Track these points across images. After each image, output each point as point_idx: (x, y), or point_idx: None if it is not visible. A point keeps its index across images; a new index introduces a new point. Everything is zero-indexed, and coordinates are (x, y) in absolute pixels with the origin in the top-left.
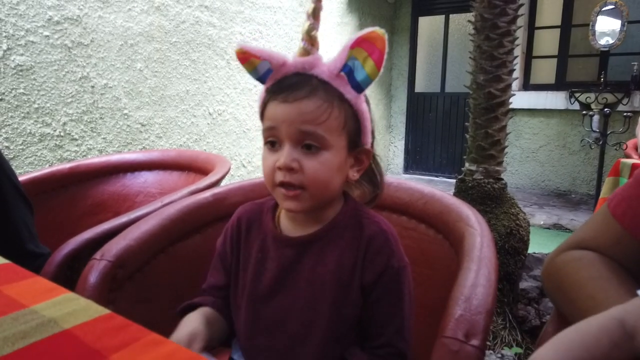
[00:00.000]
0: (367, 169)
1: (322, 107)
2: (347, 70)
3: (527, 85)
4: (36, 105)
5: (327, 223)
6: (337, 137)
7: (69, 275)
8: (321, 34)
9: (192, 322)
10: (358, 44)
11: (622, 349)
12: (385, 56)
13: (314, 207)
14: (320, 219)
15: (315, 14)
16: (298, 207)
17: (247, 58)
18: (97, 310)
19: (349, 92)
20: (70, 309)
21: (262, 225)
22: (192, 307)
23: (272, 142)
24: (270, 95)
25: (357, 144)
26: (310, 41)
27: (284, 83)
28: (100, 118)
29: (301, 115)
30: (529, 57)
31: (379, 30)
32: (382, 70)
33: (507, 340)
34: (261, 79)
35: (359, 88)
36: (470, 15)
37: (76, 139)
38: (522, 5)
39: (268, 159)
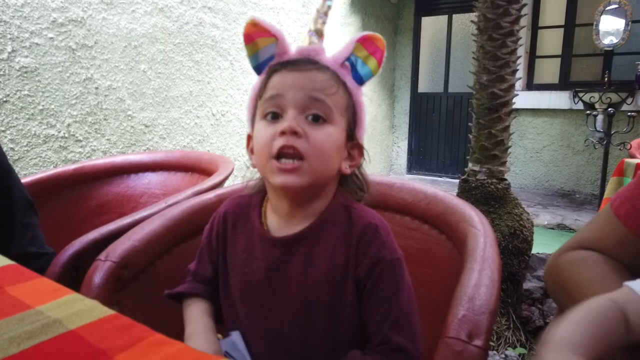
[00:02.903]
0: (354, 176)
1: (330, 80)
2: (351, 62)
3: (530, 85)
4: (41, 107)
5: (315, 219)
6: (340, 115)
7: (73, 276)
8: (324, 35)
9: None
10: (363, 41)
11: (625, 329)
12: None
13: (309, 185)
14: (308, 213)
15: (326, 11)
16: (295, 182)
17: (254, 37)
18: (102, 311)
19: (350, 82)
20: (76, 309)
21: (248, 222)
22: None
23: (273, 113)
24: (276, 68)
25: (353, 136)
26: (318, 34)
27: (289, 61)
28: (104, 119)
29: (312, 82)
30: (532, 56)
31: (378, 34)
32: (381, 69)
33: (510, 341)
34: (259, 66)
35: (361, 80)
36: (473, 16)
37: (80, 140)
38: (525, 5)
39: (265, 130)
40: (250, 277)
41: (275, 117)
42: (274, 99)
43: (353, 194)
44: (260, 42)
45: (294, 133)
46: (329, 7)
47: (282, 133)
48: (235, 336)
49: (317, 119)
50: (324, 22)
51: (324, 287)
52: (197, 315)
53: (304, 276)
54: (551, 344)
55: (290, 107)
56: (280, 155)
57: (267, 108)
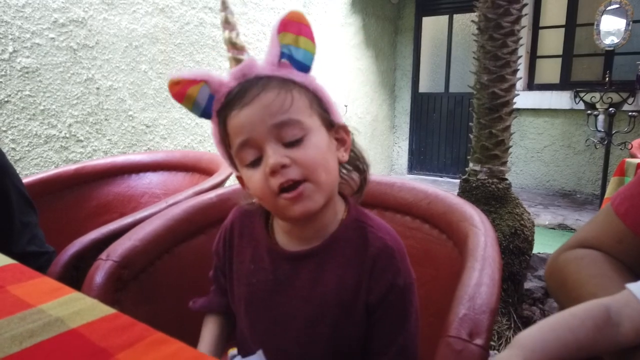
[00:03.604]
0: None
1: (281, 93)
2: (286, 56)
3: (531, 85)
4: (42, 107)
5: (328, 237)
6: (309, 117)
7: (74, 276)
8: (325, 35)
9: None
10: (283, 28)
11: (605, 334)
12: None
13: (325, 201)
14: (320, 226)
15: (227, 22)
16: (312, 206)
17: (183, 91)
18: (103, 310)
19: (297, 76)
20: (77, 308)
21: (254, 232)
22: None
23: (252, 161)
24: (225, 111)
25: (332, 123)
26: (236, 48)
27: (231, 95)
28: (106, 119)
29: (266, 108)
30: (533, 56)
31: (294, 11)
32: (315, 42)
33: (511, 341)
34: (205, 111)
35: (305, 67)
36: (474, 16)
37: (81, 141)
38: (525, 5)
39: (254, 175)
40: (256, 288)
41: (257, 160)
42: (244, 146)
43: (355, 183)
44: (191, 92)
45: (282, 166)
46: (227, 16)
47: (272, 173)
48: (258, 356)
49: (293, 143)
50: (237, 34)
51: (330, 306)
52: (208, 340)
53: (310, 293)
54: (509, 347)
55: (263, 144)
56: (282, 188)
57: (244, 157)
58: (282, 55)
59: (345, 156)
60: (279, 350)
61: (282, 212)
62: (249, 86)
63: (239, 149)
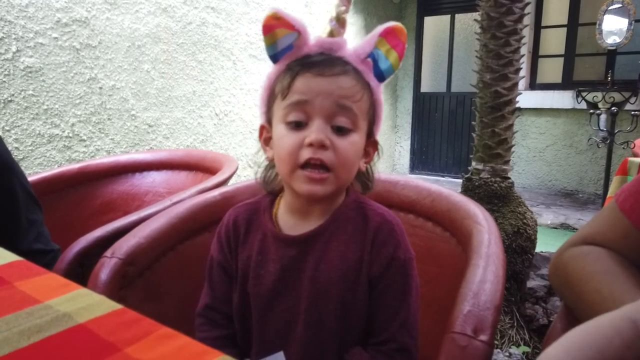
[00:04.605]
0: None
1: (357, 85)
2: (372, 58)
3: (533, 85)
4: (45, 107)
5: (329, 216)
6: (363, 120)
7: (79, 273)
8: (347, 22)
9: None
10: (385, 34)
11: (634, 351)
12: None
13: (334, 193)
14: (323, 211)
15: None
16: (321, 191)
17: (274, 27)
18: (110, 305)
19: (372, 80)
20: (84, 303)
21: (260, 225)
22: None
23: (297, 122)
24: (299, 69)
25: (370, 134)
26: (340, 23)
27: (311, 59)
28: (108, 119)
29: (340, 89)
30: (535, 56)
31: (401, 24)
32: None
33: (514, 339)
34: (275, 56)
35: (381, 77)
36: (476, 15)
37: (84, 140)
38: (528, 4)
39: (290, 137)
40: (264, 279)
41: (299, 124)
42: (299, 105)
43: (361, 186)
44: (279, 32)
45: (322, 146)
46: None
47: (310, 144)
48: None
49: (342, 130)
50: (346, 9)
51: (335, 283)
52: None
53: (315, 273)
54: None
55: (316, 116)
56: (306, 164)
57: (291, 114)
58: (370, 55)
59: (363, 167)
60: (290, 335)
61: (293, 182)
62: (334, 62)
63: (292, 105)
